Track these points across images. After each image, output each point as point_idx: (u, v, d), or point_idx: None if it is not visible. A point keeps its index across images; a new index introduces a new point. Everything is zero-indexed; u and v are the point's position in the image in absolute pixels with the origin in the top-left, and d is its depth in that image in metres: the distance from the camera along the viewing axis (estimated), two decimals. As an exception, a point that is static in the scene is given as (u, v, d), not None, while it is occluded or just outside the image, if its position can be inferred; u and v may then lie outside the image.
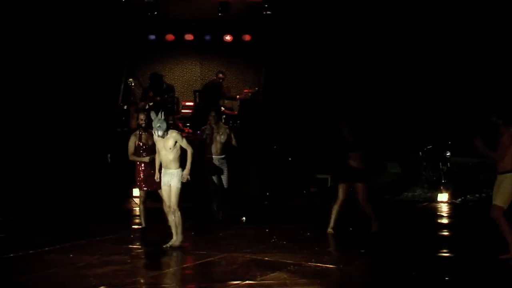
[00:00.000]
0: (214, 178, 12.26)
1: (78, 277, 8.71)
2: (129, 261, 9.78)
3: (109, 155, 15.49)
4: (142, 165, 11.41)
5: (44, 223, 12.50)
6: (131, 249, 10.53)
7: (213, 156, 12.30)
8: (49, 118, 15.41)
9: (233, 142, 12.44)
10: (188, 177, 9.99)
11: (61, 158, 15.22)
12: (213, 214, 12.57)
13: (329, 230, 11.25)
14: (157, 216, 11.36)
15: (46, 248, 10.29)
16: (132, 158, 11.45)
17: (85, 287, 8.29)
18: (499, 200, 9.32)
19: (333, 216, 11.24)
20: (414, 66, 15.83)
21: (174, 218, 10.08)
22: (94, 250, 10.19)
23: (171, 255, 10.31)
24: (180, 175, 9.95)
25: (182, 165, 10.01)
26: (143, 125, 11.45)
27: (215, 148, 12.32)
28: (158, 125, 9.74)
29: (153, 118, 9.83)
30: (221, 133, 12.36)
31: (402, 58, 15.78)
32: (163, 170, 10.06)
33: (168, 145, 9.85)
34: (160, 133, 9.79)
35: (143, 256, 10.32)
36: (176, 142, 9.88)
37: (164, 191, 10.18)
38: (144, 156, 11.33)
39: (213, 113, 12.52)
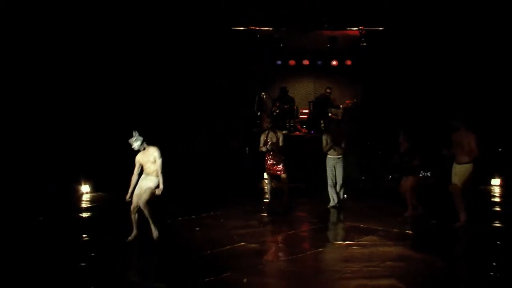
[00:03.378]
0: (332, 174, 11.54)
1: (226, 236, 9.10)
2: (261, 225, 10.07)
3: (247, 148, 15.82)
4: (268, 155, 11.40)
5: (201, 198, 12.73)
6: (262, 216, 10.76)
7: (332, 156, 11.52)
8: (211, 123, 16.03)
9: (343, 145, 11.46)
10: (161, 190, 8.71)
11: (213, 150, 15.74)
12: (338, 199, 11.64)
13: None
14: (280, 193, 11.50)
15: (204, 215, 10.70)
16: (260, 149, 11.48)
17: (231, 242, 8.65)
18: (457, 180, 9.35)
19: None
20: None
21: (145, 214, 8.66)
22: (237, 217, 10.54)
23: (291, 221, 10.44)
24: (157, 182, 8.66)
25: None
26: (269, 126, 11.59)
27: (334, 149, 11.46)
28: (134, 139, 8.73)
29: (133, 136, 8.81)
30: (340, 138, 11.48)
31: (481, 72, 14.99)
32: (143, 175, 8.77)
33: (150, 159, 8.69)
34: (135, 146, 8.77)
35: (270, 222, 10.46)
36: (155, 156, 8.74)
37: (135, 195, 8.70)
38: (268, 148, 11.39)
39: (335, 123, 12.25)
